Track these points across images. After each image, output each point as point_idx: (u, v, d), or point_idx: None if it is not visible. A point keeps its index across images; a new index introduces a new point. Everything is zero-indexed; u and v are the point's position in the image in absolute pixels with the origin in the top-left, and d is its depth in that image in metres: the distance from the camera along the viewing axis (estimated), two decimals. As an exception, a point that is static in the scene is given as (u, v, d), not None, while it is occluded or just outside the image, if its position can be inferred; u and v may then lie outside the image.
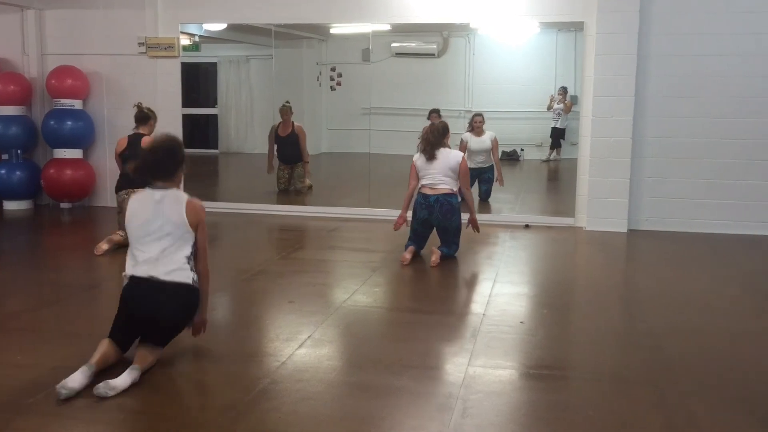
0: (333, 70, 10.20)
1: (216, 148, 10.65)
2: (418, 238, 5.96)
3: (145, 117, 6.33)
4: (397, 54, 10.11)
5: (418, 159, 5.92)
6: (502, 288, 5.16)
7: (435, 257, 5.74)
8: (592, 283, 5.48)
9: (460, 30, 9.09)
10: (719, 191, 7.22)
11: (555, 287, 5.44)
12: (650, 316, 4.68)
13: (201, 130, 10.84)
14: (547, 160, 10.24)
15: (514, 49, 10.06)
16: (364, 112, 9.32)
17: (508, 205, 9.32)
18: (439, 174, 5.80)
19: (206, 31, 9.00)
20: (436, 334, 4.14)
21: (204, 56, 10.33)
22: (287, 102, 9.02)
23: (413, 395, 3.26)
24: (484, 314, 4.52)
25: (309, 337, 3.96)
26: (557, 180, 9.62)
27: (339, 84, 10.15)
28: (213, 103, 10.59)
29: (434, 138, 5.82)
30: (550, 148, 10.08)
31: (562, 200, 8.18)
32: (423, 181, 5.89)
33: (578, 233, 7.31)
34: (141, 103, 6.48)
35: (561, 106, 9.87)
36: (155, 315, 3.45)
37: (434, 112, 9.63)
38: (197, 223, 3.55)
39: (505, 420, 3.10)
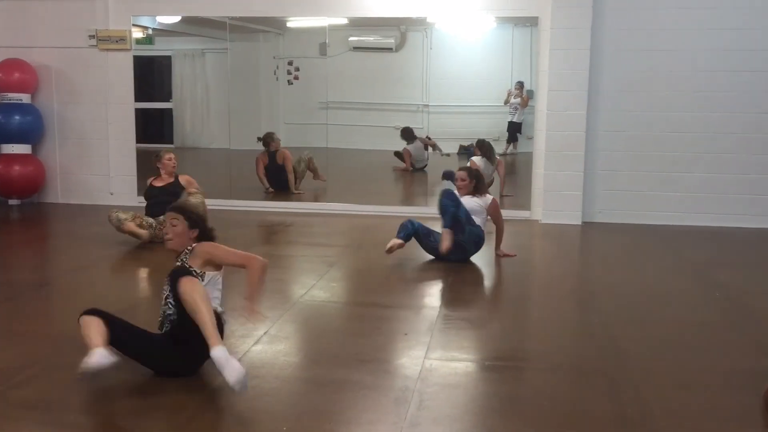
0: (290, 64, 10.11)
1: (171, 142, 10.46)
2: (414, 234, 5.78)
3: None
4: (354, 48, 10.08)
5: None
6: (457, 280, 5.20)
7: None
8: (547, 276, 5.56)
9: (418, 24, 9.10)
10: (669, 184, 7.39)
11: (511, 280, 5.50)
12: (603, 307, 4.77)
13: (155, 124, 10.64)
14: (504, 154, 10.33)
15: (471, 44, 10.12)
16: (321, 106, 9.27)
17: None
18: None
19: (160, 23, 8.85)
20: (393, 327, 4.15)
21: (158, 49, 10.13)
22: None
23: (370, 389, 3.26)
24: (440, 307, 4.54)
25: (265, 333, 3.93)
26: (514, 174, 9.70)
27: (296, 78, 10.07)
28: (167, 97, 10.40)
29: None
30: (507, 142, 10.17)
31: (519, 193, 8.27)
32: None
33: (534, 226, 7.40)
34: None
35: (518, 100, 9.96)
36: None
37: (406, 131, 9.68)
38: (203, 262, 3.44)
39: (460, 412, 3.13)
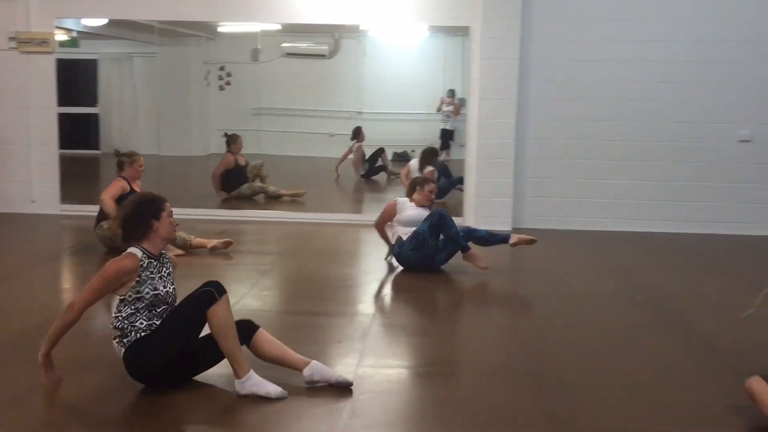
0: (222, 69, 9.99)
1: (97, 148, 10.16)
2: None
3: (119, 165, 6.06)
4: (287, 54, 10.04)
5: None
6: (391, 288, 5.22)
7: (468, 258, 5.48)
8: (479, 281, 5.63)
9: (351, 32, 9.14)
10: (595, 190, 7.62)
11: (443, 286, 5.56)
12: (533, 311, 4.87)
13: (81, 129, 10.32)
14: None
15: (405, 52, 10.23)
16: (254, 112, 9.20)
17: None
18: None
19: (85, 26, 8.58)
20: (326, 335, 4.12)
21: (83, 52, 9.84)
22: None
23: (302, 399, 3.23)
24: (374, 314, 4.55)
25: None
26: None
27: (228, 84, 9.96)
28: (93, 102, 10.10)
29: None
30: (440, 149, 10.30)
31: (452, 200, 8.36)
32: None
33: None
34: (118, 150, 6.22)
35: (450, 108, 10.11)
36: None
37: (360, 131, 9.68)
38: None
39: (393, 419, 3.14)
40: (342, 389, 3.31)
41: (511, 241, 5.65)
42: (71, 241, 7.08)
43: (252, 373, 3.19)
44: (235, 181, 8.61)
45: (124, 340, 3.22)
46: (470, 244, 5.55)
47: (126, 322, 3.22)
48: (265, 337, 3.36)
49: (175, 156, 9.31)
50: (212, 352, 3.25)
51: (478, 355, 4.00)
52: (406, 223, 5.58)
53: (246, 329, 3.33)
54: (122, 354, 3.23)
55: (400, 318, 4.54)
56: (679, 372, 3.72)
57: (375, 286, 5.25)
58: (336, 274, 5.63)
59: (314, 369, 3.32)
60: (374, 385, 3.43)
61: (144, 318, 3.23)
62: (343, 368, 3.63)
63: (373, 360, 3.76)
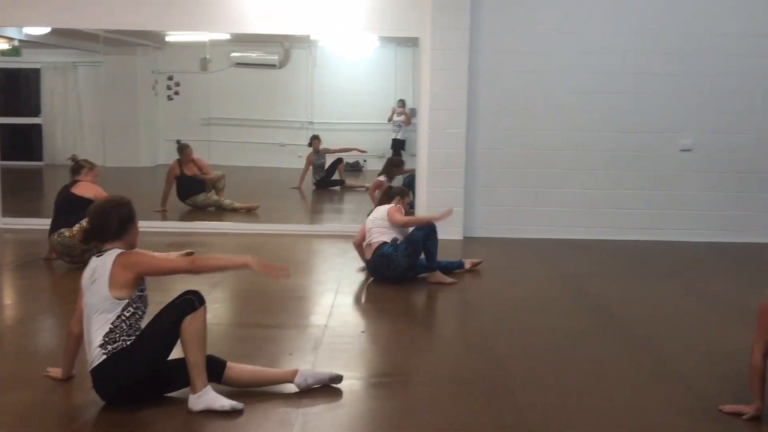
0: (170, 79, 9.85)
1: (40, 159, 9.90)
2: None
3: (77, 168, 5.96)
4: (237, 64, 9.96)
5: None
6: (344, 299, 5.21)
7: (431, 278, 5.61)
8: (428, 291, 5.66)
9: (302, 42, 9.12)
10: (543, 199, 7.75)
11: (395, 295, 5.57)
12: (482, 319, 4.92)
13: (23, 140, 10.04)
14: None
15: (355, 62, 10.26)
16: (203, 122, 9.09)
17: (350, 216, 9.45)
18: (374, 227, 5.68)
19: (27, 35, 8.36)
20: (278, 348, 4.09)
21: (25, 61, 9.60)
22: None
23: (254, 413, 3.20)
24: (326, 326, 4.53)
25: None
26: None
27: (177, 93, 9.83)
28: (36, 112, 9.84)
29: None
30: (391, 159, 10.34)
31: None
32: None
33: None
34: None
35: (402, 118, 10.17)
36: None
37: (315, 138, 9.61)
38: (132, 275, 3.17)
39: (344, 430, 3.13)
40: (288, 400, 3.28)
41: (466, 266, 6.05)
42: (12, 255, 6.87)
43: (209, 388, 3.16)
44: (186, 190, 8.50)
45: (110, 348, 3.12)
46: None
47: (125, 325, 3.15)
48: (236, 366, 3.37)
49: (122, 167, 9.12)
50: (161, 349, 3.19)
51: (429, 363, 4.02)
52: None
53: (215, 365, 3.29)
54: (100, 362, 3.12)
55: (352, 329, 4.53)
56: (625, 377, 3.81)
57: (328, 298, 5.23)
58: (288, 286, 5.58)
59: (306, 375, 3.41)
60: (326, 397, 3.41)
61: (135, 323, 3.19)
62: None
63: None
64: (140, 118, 9.84)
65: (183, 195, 8.54)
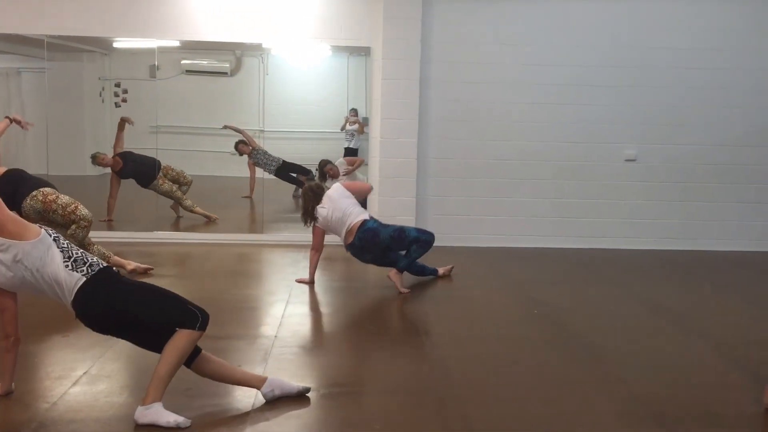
0: (117, 86, 9.65)
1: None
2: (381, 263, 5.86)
3: None
4: (187, 71, 9.82)
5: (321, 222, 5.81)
6: (294, 309, 5.18)
7: (393, 275, 5.69)
8: (379, 300, 5.68)
9: (254, 50, 9.04)
10: (493, 208, 7.85)
11: (345, 306, 5.56)
12: (432, 328, 4.96)
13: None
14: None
15: (307, 71, 10.22)
16: (151, 130, 8.92)
17: (301, 225, 9.40)
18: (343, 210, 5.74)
19: (-33, 39, 8.10)
20: (227, 358, 4.00)
21: (-35, 66, 9.28)
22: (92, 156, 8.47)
23: (201, 427, 3.15)
24: (276, 336, 4.50)
25: (85, 373, 3.67)
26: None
27: (124, 101, 9.62)
28: (-23, 118, 9.53)
29: (313, 200, 5.78)
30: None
31: (355, 219, 8.38)
32: (338, 234, 5.82)
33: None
34: None
35: (355, 126, 10.17)
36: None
37: (241, 143, 9.48)
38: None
39: (294, 442, 3.10)
40: (237, 413, 3.24)
41: (440, 272, 6.21)
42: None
43: (160, 404, 3.12)
44: (142, 178, 8.42)
45: (81, 268, 3.18)
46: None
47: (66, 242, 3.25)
48: (208, 356, 3.37)
49: (66, 175, 8.87)
50: (157, 340, 3.20)
51: (379, 373, 4.02)
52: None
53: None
54: (82, 283, 3.15)
55: (302, 339, 4.50)
56: (572, 383, 3.88)
57: (278, 308, 5.19)
58: (237, 296, 5.53)
59: (273, 384, 3.40)
60: (276, 408, 3.39)
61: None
62: (243, 392, 3.57)
63: (274, 383, 3.71)
64: (86, 125, 9.62)
65: (143, 184, 8.47)
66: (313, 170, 10.83)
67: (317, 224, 5.86)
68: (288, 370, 3.91)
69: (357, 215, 5.77)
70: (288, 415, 3.35)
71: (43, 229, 3.25)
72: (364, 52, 8.07)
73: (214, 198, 9.82)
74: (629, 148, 7.95)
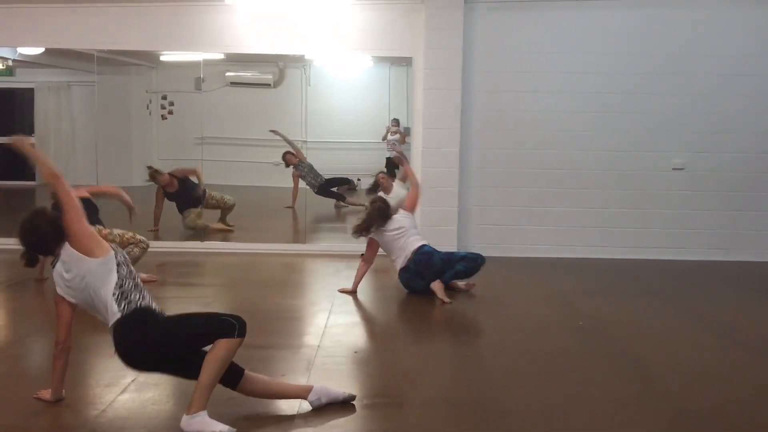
0: (164, 98, 9.87)
1: (33, 179, 9.89)
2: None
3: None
4: (231, 83, 9.99)
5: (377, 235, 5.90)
6: (337, 319, 5.19)
7: (436, 286, 5.66)
8: (423, 311, 5.65)
9: (296, 61, 9.16)
10: (535, 218, 7.77)
11: (388, 316, 5.56)
12: (476, 340, 4.92)
13: (16, 160, 10.04)
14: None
15: (350, 81, 10.30)
16: (197, 142, 9.09)
17: (344, 235, 9.44)
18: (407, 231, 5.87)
19: (21, 54, 8.39)
20: (271, 368, 4.05)
21: (19, 81, 9.62)
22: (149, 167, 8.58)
23: (245, 435, 3.17)
24: (319, 346, 4.51)
25: (133, 381, 3.74)
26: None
27: (171, 113, 9.84)
28: (30, 131, 9.84)
29: (378, 221, 5.84)
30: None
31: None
32: (394, 256, 5.90)
33: (412, 261, 7.52)
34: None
35: (396, 136, 10.19)
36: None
37: (289, 153, 9.58)
38: (75, 233, 3.27)
39: (337, 453, 3.10)
40: (281, 422, 3.25)
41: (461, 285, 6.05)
42: (3, 275, 6.83)
43: (204, 412, 3.12)
44: (181, 204, 8.52)
45: (123, 303, 3.21)
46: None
47: (126, 281, 3.28)
48: (252, 376, 3.38)
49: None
50: (198, 366, 3.18)
51: (422, 384, 4.00)
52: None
53: (233, 372, 3.30)
54: (117, 319, 3.19)
55: (345, 349, 4.50)
56: (617, 396, 3.80)
57: (321, 318, 5.21)
58: (280, 306, 5.57)
59: (320, 393, 3.42)
60: (320, 419, 3.39)
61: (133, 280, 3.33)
62: (287, 402, 3.58)
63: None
64: (134, 137, 9.85)
65: (180, 209, 8.58)
66: (354, 180, 10.90)
67: (374, 237, 5.91)
68: (331, 380, 3.91)
69: (418, 241, 5.91)
70: (332, 424, 3.35)
71: (112, 250, 3.31)
72: (405, 62, 8.10)
73: (257, 208, 9.95)
74: (677, 157, 7.79)
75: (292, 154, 9.62)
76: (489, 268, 6.43)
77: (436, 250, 5.92)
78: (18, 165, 9.97)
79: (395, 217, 5.93)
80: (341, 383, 3.90)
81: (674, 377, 4.11)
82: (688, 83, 7.70)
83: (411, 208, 6.16)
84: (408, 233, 5.88)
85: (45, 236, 3.32)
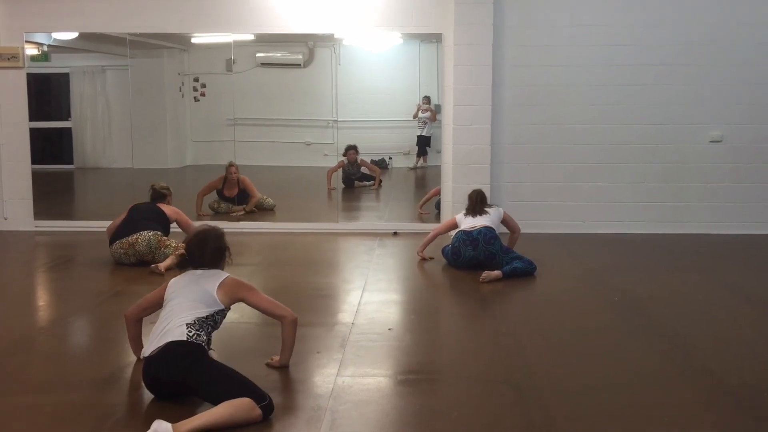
0: (196, 80, 9.93)
1: (71, 163, 10.07)
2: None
3: (161, 196, 6.54)
4: (262, 64, 10.02)
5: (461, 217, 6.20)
6: (371, 296, 5.23)
7: (486, 275, 5.63)
8: (457, 288, 5.66)
9: (326, 40, 9.14)
10: (569, 193, 7.69)
11: (422, 293, 5.58)
12: (510, 317, 4.90)
13: (54, 144, 10.23)
14: (415, 168, 10.49)
15: (379, 60, 10.25)
16: (229, 123, 9.15)
17: (376, 213, 9.47)
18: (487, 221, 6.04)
19: (56, 40, 8.50)
20: (306, 346, 4.11)
21: (54, 66, 9.75)
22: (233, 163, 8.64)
23: (282, 410, 3.23)
24: (353, 323, 4.55)
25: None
26: (424, 187, 9.87)
27: (203, 95, 9.91)
28: (66, 116, 10.00)
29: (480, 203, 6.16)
30: (417, 156, 10.33)
31: (429, 207, 8.39)
32: (464, 226, 6.07)
33: (444, 239, 7.52)
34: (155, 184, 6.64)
35: (427, 114, 10.14)
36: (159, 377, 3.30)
37: (351, 149, 9.61)
38: (233, 299, 3.61)
39: (372, 428, 3.14)
40: (316, 398, 3.30)
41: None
42: (45, 257, 7.01)
43: None
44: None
45: (193, 332, 3.37)
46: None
47: (209, 324, 3.53)
48: None
49: (149, 168, 9.23)
50: (217, 393, 3.17)
51: (457, 361, 4.01)
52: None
53: None
54: (177, 339, 3.32)
55: (378, 326, 4.54)
56: (655, 373, 3.77)
57: (354, 296, 5.25)
58: (315, 284, 5.62)
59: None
60: (354, 395, 3.44)
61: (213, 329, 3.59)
62: (321, 378, 3.64)
63: (353, 369, 3.77)
64: (167, 119, 9.95)
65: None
66: (386, 158, 10.90)
67: (457, 217, 6.25)
68: (365, 357, 3.96)
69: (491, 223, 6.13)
70: (366, 400, 3.39)
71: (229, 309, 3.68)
72: (435, 38, 8.02)
73: (289, 187, 10.01)
74: (714, 129, 7.62)
75: (355, 152, 9.67)
76: (524, 245, 6.40)
77: (500, 242, 5.91)
78: (55, 149, 10.19)
79: (497, 208, 6.28)
80: (375, 360, 3.95)
81: (714, 353, 4.06)
82: (725, 53, 7.51)
83: (507, 221, 6.32)
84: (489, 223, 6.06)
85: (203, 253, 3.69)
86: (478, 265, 5.86)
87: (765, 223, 7.63)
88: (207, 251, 3.66)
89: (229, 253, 3.79)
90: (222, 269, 3.70)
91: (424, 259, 6.33)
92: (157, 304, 3.65)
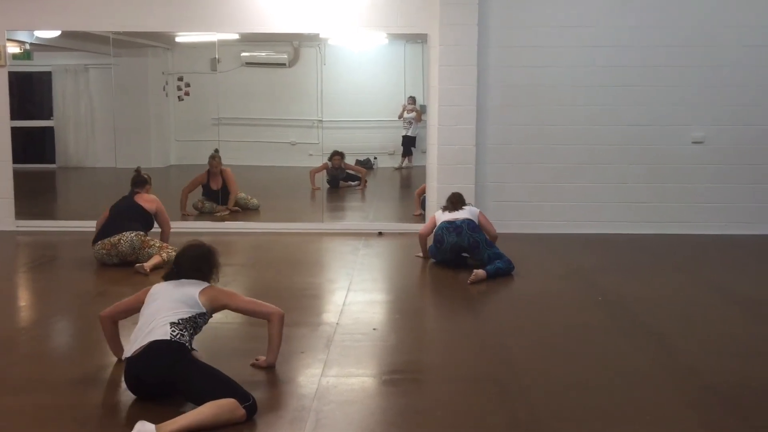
0: (180, 79, 9.88)
1: (53, 162, 9.98)
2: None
3: (142, 181, 6.48)
4: (247, 63, 9.98)
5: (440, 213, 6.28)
6: (355, 296, 5.22)
7: (474, 276, 5.59)
8: (442, 288, 5.67)
9: (311, 40, 9.12)
10: (553, 194, 7.73)
11: (407, 293, 5.58)
12: (494, 316, 4.92)
13: (36, 143, 10.14)
14: (400, 168, 10.51)
15: (365, 60, 10.24)
16: (213, 122, 9.11)
17: (361, 213, 9.47)
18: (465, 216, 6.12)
19: (38, 38, 8.42)
20: (290, 346, 4.10)
21: (36, 65, 9.67)
22: (216, 150, 8.57)
23: (266, 411, 3.21)
24: (338, 323, 4.54)
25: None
26: (409, 187, 9.89)
27: (187, 94, 9.85)
28: (49, 115, 9.91)
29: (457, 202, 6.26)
30: (402, 156, 10.34)
31: (414, 207, 8.39)
32: (445, 218, 6.15)
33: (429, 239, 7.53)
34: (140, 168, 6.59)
35: (412, 114, 10.15)
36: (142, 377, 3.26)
37: (337, 155, 9.60)
38: (215, 306, 3.60)
39: (356, 428, 3.14)
40: (300, 398, 3.29)
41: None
42: (26, 257, 6.93)
43: None
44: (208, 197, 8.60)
45: (176, 332, 3.35)
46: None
47: (191, 325, 3.49)
48: None
49: (133, 168, 9.17)
50: (201, 393, 3.15)
51: (441, 361, 4.02)
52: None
53: None
54: (160, 338, 3.30)
55: (363, 326, 4.53)
56: (640, 372, 3.79)
57: (339, 296, 5.24)
58: (299, 284, 5.61)
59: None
60: (338, 395, 3.43)
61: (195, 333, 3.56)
62: (306, 378, 3.63)
63: (337, 369, 3.76)
64: (151, 118, 9.88)
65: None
66: (371, 159, 10.90)
67: (436, 214, 6.33)
68: (350, 357, 3.95)
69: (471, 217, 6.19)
70: (350, 400, 3.38)
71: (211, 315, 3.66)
72: (420, 39, 8.03)
73: (274, 187, 9.98)
74: (696, 130, 7.69)
75: (341, 158, 9.67)
76: (508, 245, 6.42)
77: (484, 239, 5.97)
78: (37, 148, 10.09)
79: (471, 208, 6.30)
80: (360, 360, 3.94)
81: (698, 352, 4.10)
82: (708, 55, 7.58)
83: (484, 223, 6.24)
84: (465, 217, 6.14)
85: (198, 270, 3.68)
86: (461, 253, 5.98)
87: (747, 224, 7.71)
88: (199, 268, 3.65)
89: (217, 270, 3.75)
90: (208, 282, 3.67)
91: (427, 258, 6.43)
92: (134, 309, 3.62)
